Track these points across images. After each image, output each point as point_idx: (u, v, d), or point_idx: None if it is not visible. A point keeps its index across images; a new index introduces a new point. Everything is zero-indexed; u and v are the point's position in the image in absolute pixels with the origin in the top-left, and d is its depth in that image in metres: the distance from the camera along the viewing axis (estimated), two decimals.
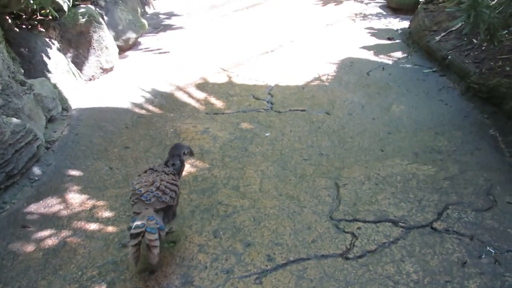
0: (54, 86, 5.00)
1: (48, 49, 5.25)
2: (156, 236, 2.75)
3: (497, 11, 4.70)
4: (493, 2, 4.74)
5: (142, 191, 2.93)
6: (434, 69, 5.91)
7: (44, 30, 5.49)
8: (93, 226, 3.37)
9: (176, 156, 3.23)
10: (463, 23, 5.08)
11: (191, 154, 3.36)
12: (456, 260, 2.95)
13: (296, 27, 7.90)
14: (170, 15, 9.02)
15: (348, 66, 6.18)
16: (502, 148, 4.16)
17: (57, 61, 5.30)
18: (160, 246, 2.81)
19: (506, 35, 5.35)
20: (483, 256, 2.97)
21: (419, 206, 3.44)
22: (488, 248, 3.03)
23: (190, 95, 5.47)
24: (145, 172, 3.16)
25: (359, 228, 3.26)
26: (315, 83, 5.71)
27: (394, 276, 2.84)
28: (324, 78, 5.83)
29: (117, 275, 2.93)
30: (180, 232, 3.26)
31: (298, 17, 8.49)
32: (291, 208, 3.49)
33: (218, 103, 5.27)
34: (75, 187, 3.84)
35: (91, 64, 6.01)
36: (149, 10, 9.23)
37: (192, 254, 3.06)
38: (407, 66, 6.11)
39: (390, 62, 6.26)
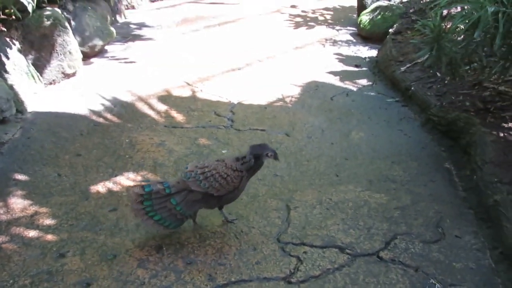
0: (10, 87, 4.87)
1: (8, 49, 5.13)
2: (141, 192, 3.02)
3: (459, 46, 4.76)
4: (457, 37, 4.79)
5: (187, 169, 3.13)
6: (397, 99, 5.95)
7: (5, 30, 5.37)
8: (32, 233, 3.26)
9: (257, 155, 3.22)
10: (427, 55, 5.12)
11: (275, 157, 3.29)
12: None
13: (266, 47, 7.89)
14: (141, 25, 8.94)
15: (313, 89, 6.19)
16: (455, 182, 4.17)
17: (16, 62, 5.17)
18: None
19: (468, 71, 5.42)
20: None
21: (368, 234, 3.41)
22: (431, 280, 3.01)
23: (150, 107, 5.39)
24: (216, 161, 3.24)
25: (305, 252, 3.20)
26: (278, 104, 5.69)
27: None
28: (287, 99, 5.81)
29: (50, 285, 2.81)
30: (122, 245, 3.16)
31: (269, 38, 8.50)
32: (239, 227, 3.42)
33: (178, 117, 5.20)
34: (19, 192, 3.72)
35: (53, 68, 5.90)
36: (120, 19, 9.12)
37: (131, 269, 2.96)
38: (371, 94, 6.14)
39: (355, 89, 6.28)
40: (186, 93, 5.88)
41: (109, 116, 5.10)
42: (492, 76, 5.23)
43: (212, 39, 8.23)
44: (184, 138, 4.72)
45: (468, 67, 5.23)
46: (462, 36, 4.86)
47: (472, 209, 3.78)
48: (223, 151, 4.49)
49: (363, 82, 6.57)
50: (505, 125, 4.46)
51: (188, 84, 6.15)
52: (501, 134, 4.30)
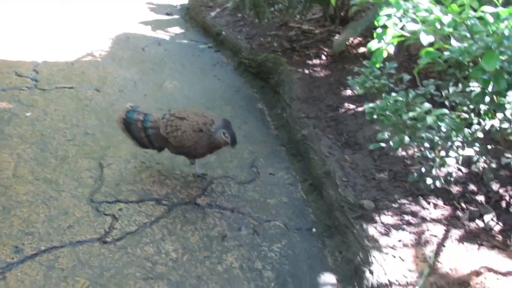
0: None
1: None
2: (123, 115, 3.37)
3: None
4: None
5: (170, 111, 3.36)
6: (209, 45, 5.93)
7: None
8: None
9: (220, 129, 3.20)
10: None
11: (231, 143, 3.21)
12: (216, 235, 2.93)
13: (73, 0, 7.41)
14: None
15: (123, 41, 5.94)
16: (268, 121, 4.29)
17: None
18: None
19: (275, 12, 5.54)
20: (243, 228, 3.00)
21: (184, 182, 3.39)
22: (247, 219, 3.07)
23: None
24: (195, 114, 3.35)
25: (120, 209, 3.09)
26: (87, 58, 5.38)
27: (153, 257, 2.74)
28: (97, 53, 5.52)
29: None
30: None
31: None
32: (47, 193, 3.20)
33: None
34: None
35: None
36: None
37: None
38: (184, 41, 6.06)
39: (167, 38, 6.15)
40: None
41: None
42: (295, 16, 5.40)
43: None
44: None
45: (273, 9, 5.34)
46: None
47: (284, 145, 3.91)
48: (27, 114, 4.15)
49: (176, 30, 6.45)
50: (310, 62, 4.64)
51: None
52: (306, 71, 4.47)
